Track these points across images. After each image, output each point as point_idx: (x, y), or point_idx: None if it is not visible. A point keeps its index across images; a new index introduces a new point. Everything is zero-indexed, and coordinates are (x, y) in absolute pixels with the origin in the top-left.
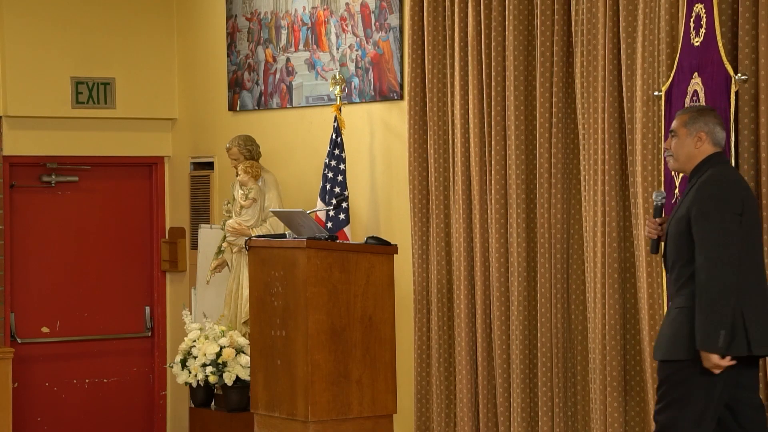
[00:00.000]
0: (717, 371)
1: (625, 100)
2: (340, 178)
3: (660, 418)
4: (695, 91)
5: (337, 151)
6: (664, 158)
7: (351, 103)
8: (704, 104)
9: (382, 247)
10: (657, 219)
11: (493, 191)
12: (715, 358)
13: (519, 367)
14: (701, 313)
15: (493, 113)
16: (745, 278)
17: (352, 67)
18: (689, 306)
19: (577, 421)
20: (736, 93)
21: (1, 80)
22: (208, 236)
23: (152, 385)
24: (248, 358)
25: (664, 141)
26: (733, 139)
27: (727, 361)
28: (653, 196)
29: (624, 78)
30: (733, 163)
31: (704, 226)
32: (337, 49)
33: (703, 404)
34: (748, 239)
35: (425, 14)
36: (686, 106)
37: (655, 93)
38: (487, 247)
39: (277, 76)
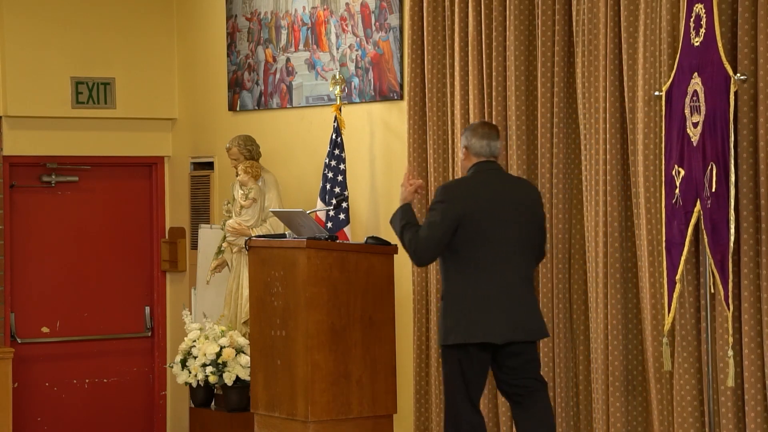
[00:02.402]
0: None
1: (626, 100)
2: (340, 178)
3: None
4: (695, 91)
5: (337, 151)
6: (665, 158)
7: (351, 103)
8: (482, 119)
9: (382, 247)
10: None
11: None
12: None
13: None
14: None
15: (493, 113)
16: (473, 276)
17: (352, 67)
18: (440, 296)
19: (579, 421)
20: (736, 93)
21: (1, 80)
22: (208, 236)
23: (152, 385)
24: (248, 358)
25: (664, 141)
26: (732, 139)
27: None
28: None
29: (625, 78)
30: (731, 163)
31: (422, 228)
32: (337, 49)
33: (451, 382)
34: (481, 244)
35: (425, 14)
36: (686, 106)
37: (656, 93)
38: None
39: (277, 76)
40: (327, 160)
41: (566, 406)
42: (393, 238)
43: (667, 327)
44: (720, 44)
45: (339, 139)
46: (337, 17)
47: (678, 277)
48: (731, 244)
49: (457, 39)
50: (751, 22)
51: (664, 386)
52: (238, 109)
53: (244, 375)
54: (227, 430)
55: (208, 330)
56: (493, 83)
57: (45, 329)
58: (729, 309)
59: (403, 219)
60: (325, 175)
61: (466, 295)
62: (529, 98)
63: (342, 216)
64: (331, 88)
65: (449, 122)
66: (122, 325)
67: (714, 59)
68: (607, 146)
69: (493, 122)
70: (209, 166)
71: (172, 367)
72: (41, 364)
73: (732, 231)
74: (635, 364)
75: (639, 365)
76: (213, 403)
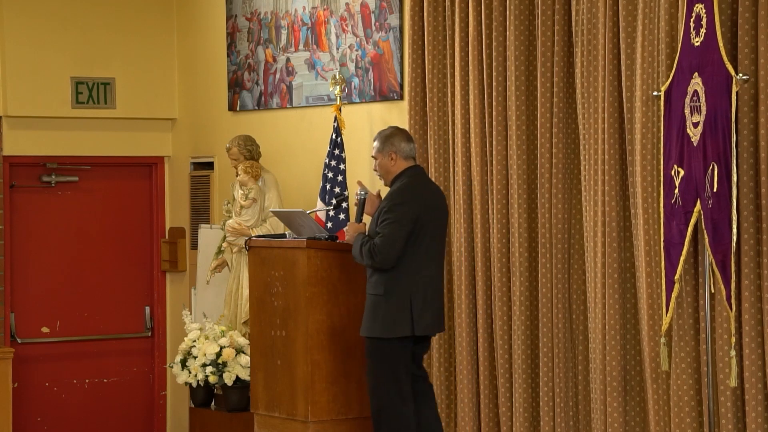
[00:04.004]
0: None
1: (624, 100)
2: (340, 178)
3: (368, 385)
4: (695, 91)
5: (337, 151)
6: (663, 158)
7: (351, 103)
8: (395, 125)
9: None
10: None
11: (494, 191)
12: None
13: (521, 367)
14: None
15: (494, 113)
16: (417, 274)
17: (352, 67)
18: (378, 293)
19: (578, 421)
20: (737, 93)
21: (1, 80)
22: (208, 236)
23: (152, 385)
24: (248, 358)
25: (663, 141)
26: (733, 139)
27: None
28: (357, 191)
29: (624, 78)
30: (733, 163)
31: (382, 230)
32: (337, 49)
33: (395, 373)
34: (424, 244)
35: (425, 14)
36: (686, 105)
37: (655, 93)
38: (488, 247)
39: (277, 76)
40: (327, 160)
41: (565, 406)
42: None
43: (664, 327)
44: (721, 44)
45: (339, 139)
46: (337, 17)
47: (676, 277)
48: (733, 245)
49: (457, 39)
50: (751, 22)
51: (661, 386)
52: (238, 109)
53: (244, 375)
54: (227, 430)
55: (208, 330)
56: (493, 83)
57: (45, 329)
58: (731, 309)
59: (359, 238)
60: (325, 175)
61: (411, 290)
62: (529, 98)
63: (342, 216)
64: (331, 88)
65: (449, 122)
66: (122, 325)
67: (715, 59)
68: (606, 146)
69: (493, 122)
70: (209, 166)
71: (172, 367)
72: (41, 364)
73: (734, 231)
74: (633, 364)
75: (637, 365)
76: (213, 403)
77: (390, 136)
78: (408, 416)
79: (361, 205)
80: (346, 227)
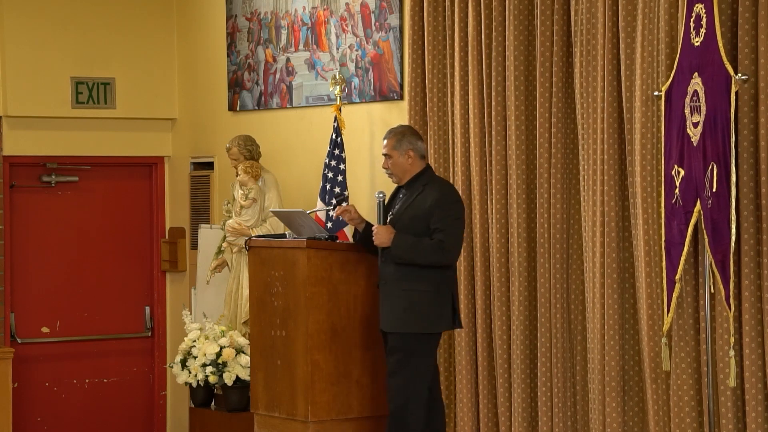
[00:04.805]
0: None
1: (624, 100)
2: (340, 178)
3: (393, 382)
4: (695, 91)
5: (337, 151)
6: (664, 158)
7: (351, 103)
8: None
9: None
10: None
11: (493, 191)
12: None
13: (520, 367)
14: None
15: (493, 113)
16: (455, 271)
17: (352, 67)
18: (424, 289)
19: (576, 421)
20: (736, 93)
21: (1, 80)
22: (208, 236)
23: (152, 385)
24: (248, 358)
25: (664, 141)
26: (733, 139)
27: None
28: (376, 194)
29: (623, 78)
30: (732, 163)
31: (446, 228)
32: (337, 49)
33: (428, 368)
34: None
35: (425, 14)
36: (686, 106)
37: (655, 93)
38: (487, 247)
39: (277, 76)
40: (327, 160)
41: (563, 406)
42: None
43: (665, 327)
44: (720, 44)
45: (339, 139)
46: (337, 17)
47: (677, 277)
48: (732, 245)
49: (457, 39)
50: (751, 22)
51: (660, 386)
52: (238, 109)
53: (244, 375)
54: (227, 430)
55: (208, 330)
56: (493, 83)
57: (45, 329)
58: (730, 309)
59: (407, 238)
60: (325, 175)
61: (453, 286)
62: (529, 98)
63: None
64: (331, 88)
65: (449, 122)
66: (122, 325)
67: (715, 59)
68: (605, 146)
69: (492, 122)
70: (209, 166)
71: (172, 367)
72: (41, 364)
73: (733, 231)
74: (632, 364)
75: (636, 365)
76: (213, 403)
77: (405, 134)
78: (427, 406)
79: (381, 207)
80: (374, 230)
